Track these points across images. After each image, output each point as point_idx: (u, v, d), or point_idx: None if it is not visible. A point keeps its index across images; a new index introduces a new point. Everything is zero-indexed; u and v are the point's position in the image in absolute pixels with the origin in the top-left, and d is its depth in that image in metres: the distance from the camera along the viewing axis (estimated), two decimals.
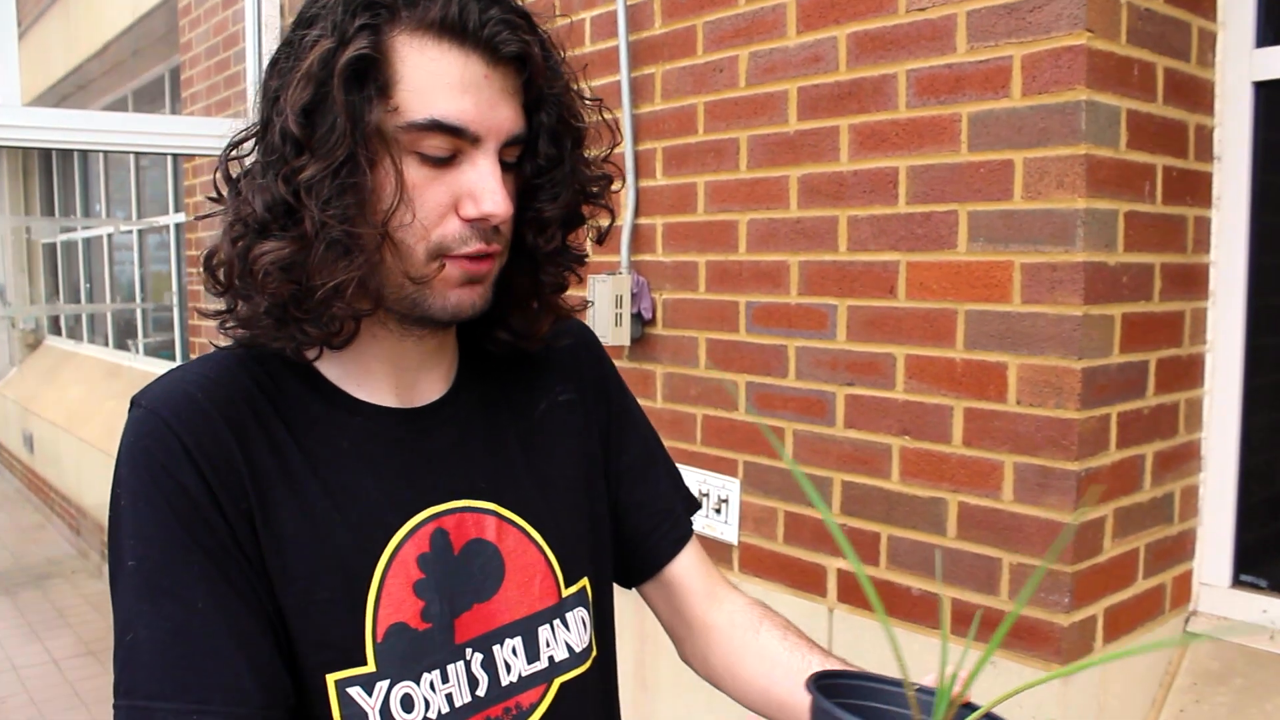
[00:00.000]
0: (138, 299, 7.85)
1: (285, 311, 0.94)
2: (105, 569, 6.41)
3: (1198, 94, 1.94)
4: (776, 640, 1.16)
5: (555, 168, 1.00)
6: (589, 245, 1.13)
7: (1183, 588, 2.04)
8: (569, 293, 1.13)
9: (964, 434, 1.87)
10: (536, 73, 0.96)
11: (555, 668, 1.08)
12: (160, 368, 6.69)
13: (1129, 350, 1.81)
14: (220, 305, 1.00)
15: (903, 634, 1.97)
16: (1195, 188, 1.96)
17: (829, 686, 0.82)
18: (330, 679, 0.96)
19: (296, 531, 0.95)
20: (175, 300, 6.72)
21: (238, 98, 4.40)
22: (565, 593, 1.10)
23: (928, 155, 1.90)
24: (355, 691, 0.96)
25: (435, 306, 0.96)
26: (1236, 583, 2.04)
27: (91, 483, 6.77)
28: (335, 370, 1.02)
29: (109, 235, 8.67)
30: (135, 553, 0.90)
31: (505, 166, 0.96)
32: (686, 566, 1.24)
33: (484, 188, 0.92)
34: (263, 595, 0.93)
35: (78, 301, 9.75)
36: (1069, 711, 1.77)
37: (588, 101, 1.05)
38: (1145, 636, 1.94)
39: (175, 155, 5.67)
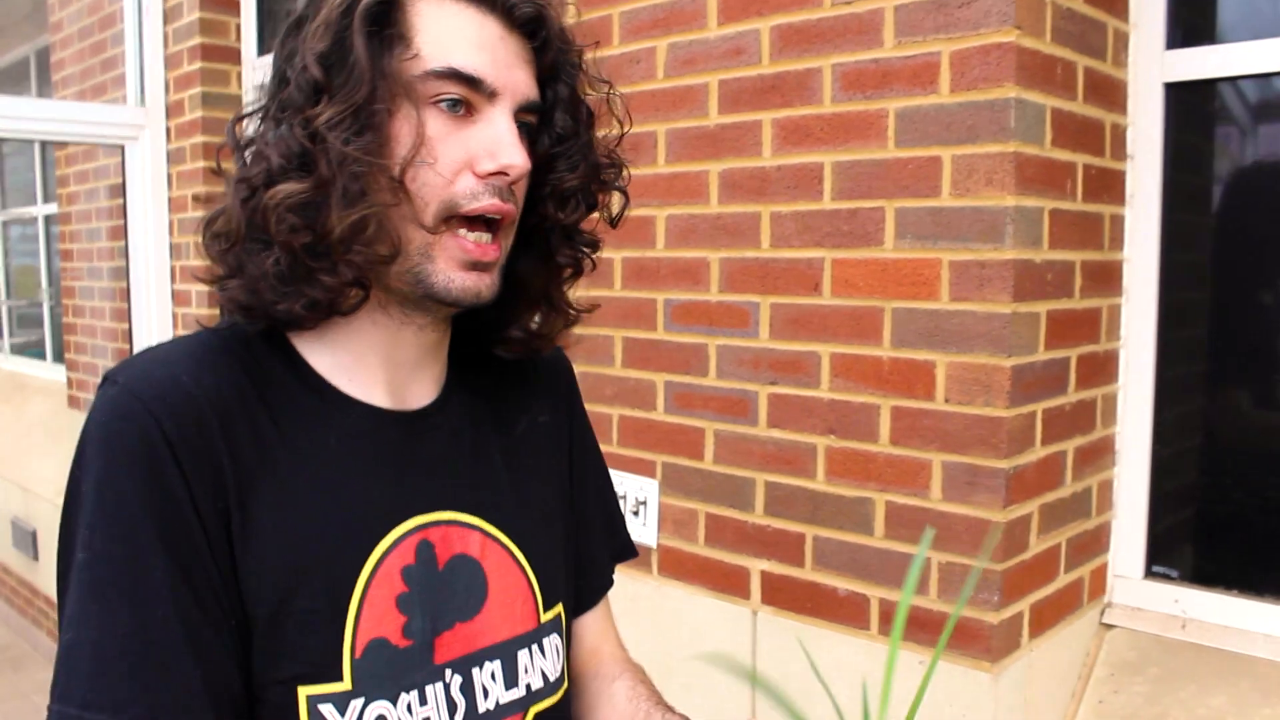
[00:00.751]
0: (1, 295, 7.45)
1: (297, 262, 0.88)
2: None
3: (1113, 94, 1.96)
4: (624, 691, 1.16)
5: (572, 139, 0.98)
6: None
7: (1099, 580, 2.06)
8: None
9: (891, 433, 1.85)
10: (552, 39, 0.95)
11: (531, 696, 1.04)
12: (31, 368, 6.35)
13: (1053, 347, 1.82)
14: (216, 271, 0.95)
15: (830, 635, 1.95)
16: (1111, 186, 1.98)
17: None
18: (302, 693, 0.89)
19: (278, 531, 0.88)
20: (46, 296, 6.39)
21: (115, 83, 4.18)
22: (543, 618, 1.07)
23: (854, 151, 1.87)
24: (327, 709, 0.89)
25: (439, 285, 0.92)
26: (1149, 574, 2.07)
27: None
28: (325, 361, 0.96)
29: None
30: (91, 545, 0.82)
31: (521, 129, 0.93)
32: (591, 621, 1.23)
33: (502, 141, 0.90)
34: (226, 607, 0.86)
35: None
36: (998, 707, 1.77)
37: (599, 83, 1.04)
38: (1066, 630, 1.96)
39: (45, 142, 5.38)
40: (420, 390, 1.02)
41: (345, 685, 0.90)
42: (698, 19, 2.10)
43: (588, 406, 2.34)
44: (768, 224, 2.01)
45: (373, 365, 0.98)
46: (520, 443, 1.10)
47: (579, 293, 2.35)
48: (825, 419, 1.95)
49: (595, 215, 1.06)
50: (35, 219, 6.71)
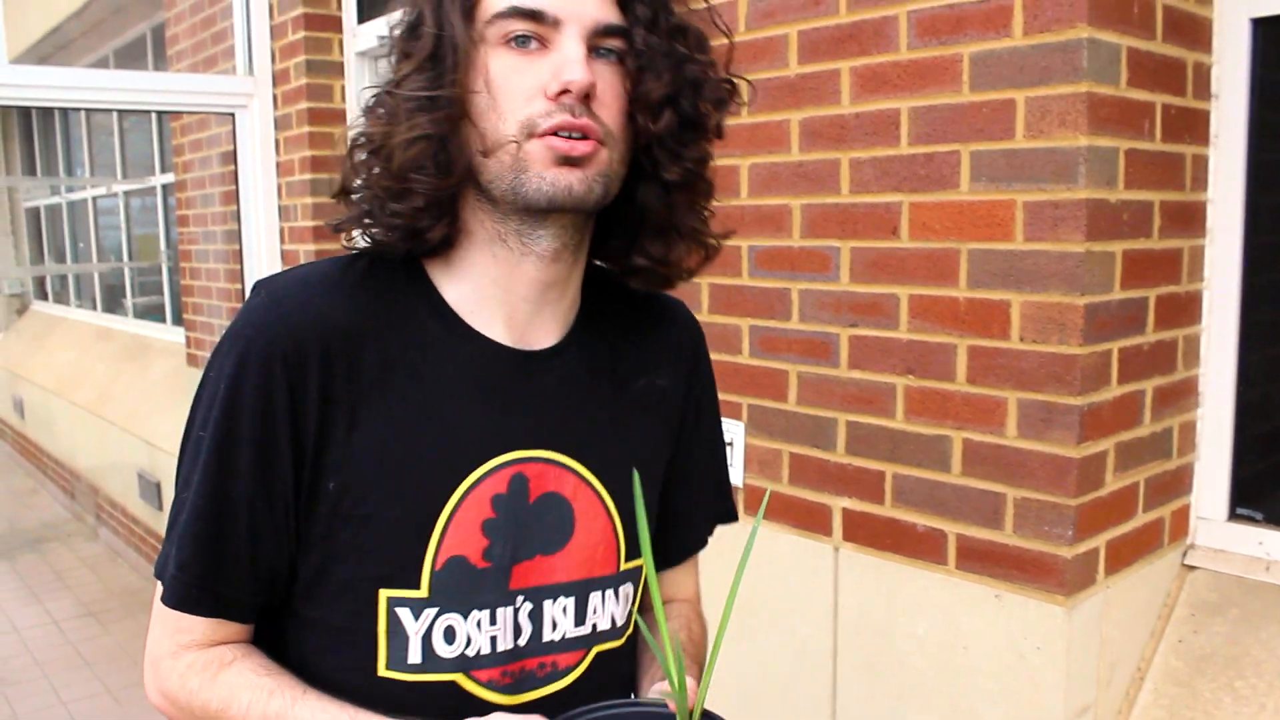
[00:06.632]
0: (125, 260, 7.81)
1: (376, 195, 1.00)
2: (101, 532, 6.44)
3: (1196, 31, 1.95)
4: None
5: (654, 53, 1.01)
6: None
7: (1180, 521, 2.08)
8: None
9: (968, 371, 1.89)
10: None
11: (596, 636, 1.11)
12: (153, 331, 6.68)
13: (1129, 287, 1.84)
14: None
15: (909, 571, 2.01)
16: (1193, 125, 1.97)
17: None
18: (383, 594, 1.00)
19: (384, 444, 1.00)
20: (165, 261, 6.69)
21: (225, 54, 4.36)
22: (623, 566, 1.13)
23: (929, 96, 1.91)
24: (403, 612, 1.00)
25: (531, 187, 0.97)
26: (1233, 516, 2.08)
27: (85, 446, 6.76)
28: (454, 293, 1.05)
29: (93, 199, 8.60)
30: (205, 423, 0.99)
31: (605, 54, 1.00)
32: (673, 575, 1.28)
33: (564, 61, 0.96)
34: (291, 505, 1.00)
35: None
36: (1073, 641, 1.81)
37: (694, 7, 1.08)
38: (1145, 569, 1.98)
39: (162, 113, 5.62)
40: (542, 331, 1.09)
41: (422, 593, 1.00)
42: None
43: None
44: (847, 170, 2.06)
45: (493, 299, 1.05)
46: (634, 399, 1.15)
47: None
48: (904, 359, 2.00)
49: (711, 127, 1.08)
50: (154, 189, 7.02)
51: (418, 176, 0.97)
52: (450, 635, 1.02)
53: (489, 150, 0.98)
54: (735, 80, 1.10)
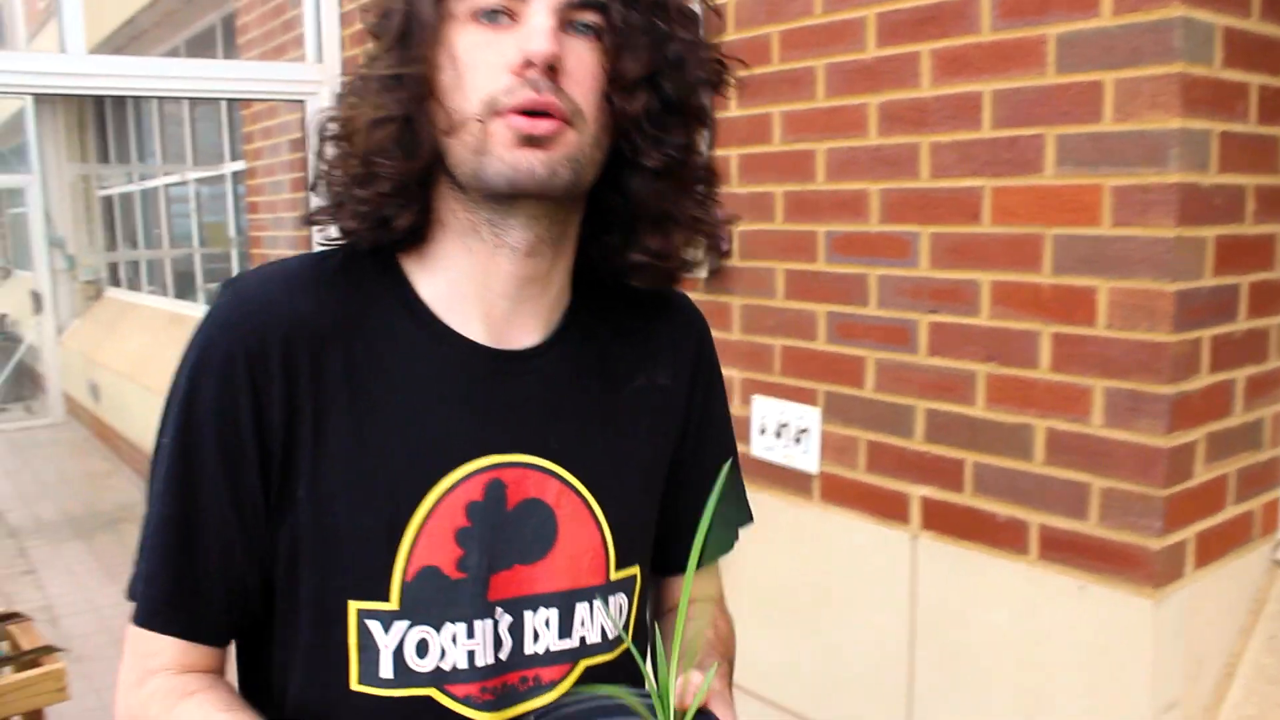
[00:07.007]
0: (195, 246, 7.96)
1: (344, 181, 0.96)
2: None
3: None
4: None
5: (631, 31, 0.94)
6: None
7: (1271, 515, 2.02)
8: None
9: (1052, 359, 1.86)
10: None
11: (584, 649, 1.05)
12: None
13: (1221, 273, 1.79)
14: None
15: (989, 560, 1.98)
16: None
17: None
18: (353, 606, 0.96)
19: (351, 451, 0.95)
20: (235, 247, 6.80)
21: (294, 42, 4.40)
22: (614, 575, 1.06)
23: (1013, 78, 1.87)
24: (374, 625, 0.96)
25: (492, 171, 0.91)
26: None
27: None
28: (429, 289, 1.00)
29: (165, 187, 8.77)
30: (171, 433, 0.95)
31: (582, 30, 0.94)
32: (681, 581, 1.19)
33: (529, 32, 0.90)
34: (261, 512, 0.95)
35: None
36: (1160, 635, 1.77)
37: None
38: (1235, 563, 1.93)
39: (233, 100, 5.70)
40: (523, 330, 1.03)
41: (393, 605, 0.95)
42: None
43: (751, 338, 2.43)
44: (927, 154, 2.03)
45: (468, 295, 1.00)
46: (629, 402, 1.09)
47: (741, 226, 2.38)
48: (985, 346, 1.96)
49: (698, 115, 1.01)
50: (223, 177, 7.14)
51: (382, 160, 0.93)
52: (423, 649, 0.97)
53: (453, 129, 0.93)
54: (725, 60, 1.02)
